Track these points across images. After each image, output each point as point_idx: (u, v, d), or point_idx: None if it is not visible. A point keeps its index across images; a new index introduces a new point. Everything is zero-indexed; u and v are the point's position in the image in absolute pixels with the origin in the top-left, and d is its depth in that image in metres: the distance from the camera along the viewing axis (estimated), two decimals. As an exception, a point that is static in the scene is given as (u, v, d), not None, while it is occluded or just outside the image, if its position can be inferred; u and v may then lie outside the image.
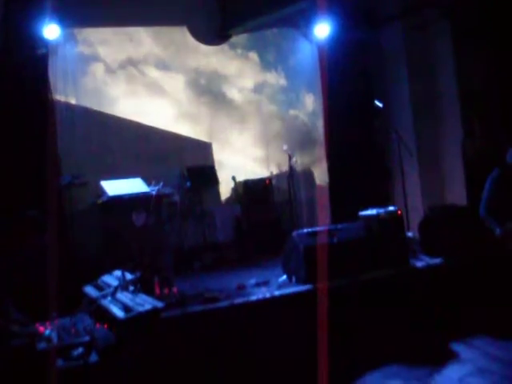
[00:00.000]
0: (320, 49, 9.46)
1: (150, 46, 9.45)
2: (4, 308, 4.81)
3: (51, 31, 7.63)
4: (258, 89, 10.14)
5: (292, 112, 10.33)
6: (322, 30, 9.02)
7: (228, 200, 9.54)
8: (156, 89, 9.44)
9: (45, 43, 7.78)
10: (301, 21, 9.65)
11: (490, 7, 8.08)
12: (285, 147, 8.71)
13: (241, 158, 9.97)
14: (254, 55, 10.14)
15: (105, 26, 9.04)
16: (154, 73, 9.45)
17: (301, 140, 9.95)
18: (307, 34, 9.80)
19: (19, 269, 4.98)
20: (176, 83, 9.60)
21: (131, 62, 9.30)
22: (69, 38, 8.52)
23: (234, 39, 9.78)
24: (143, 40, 9.41)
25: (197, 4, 9.26)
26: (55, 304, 4.97)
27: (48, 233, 4.97)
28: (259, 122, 10.12)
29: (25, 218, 4.81)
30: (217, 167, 9.23)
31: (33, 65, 7.70)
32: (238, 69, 10.06)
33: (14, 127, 7.37)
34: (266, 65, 10.21)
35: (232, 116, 9.95)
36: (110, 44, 9.15)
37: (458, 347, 5.42)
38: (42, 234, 4.85)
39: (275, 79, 10.25)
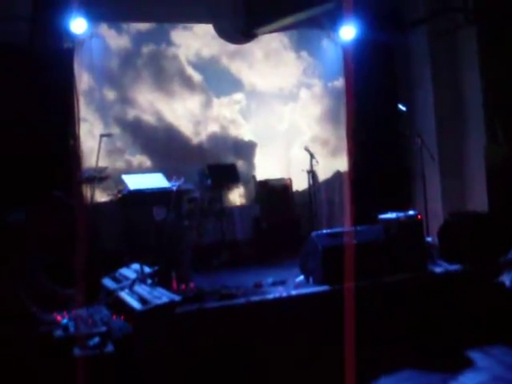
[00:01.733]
0: (345, 51, 9.44)
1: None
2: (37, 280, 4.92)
3: (78, 25, 7.68)
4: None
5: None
6: (348, 31, 9.00)
7: (248, 199, 9.56)
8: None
9: (72, 37, 7.86)
10: (326, 22, 9.64)
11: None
12: (306, 147, 8.71)
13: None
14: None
15: (131, 21, 9.12)
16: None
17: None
18: (333, 36, 9.80)
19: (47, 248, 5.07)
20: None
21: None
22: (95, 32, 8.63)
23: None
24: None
25: (223, 3, 9.29)
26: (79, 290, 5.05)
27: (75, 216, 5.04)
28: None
29: (51, 197, 4.88)
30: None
31: (59, 58, 7.79)
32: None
33: (40, 119, 7.45)
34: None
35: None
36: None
37: (474, 355, 5.38)
38: (68, 213, 4.92)
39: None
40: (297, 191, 9.39)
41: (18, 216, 4.83)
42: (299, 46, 10.18)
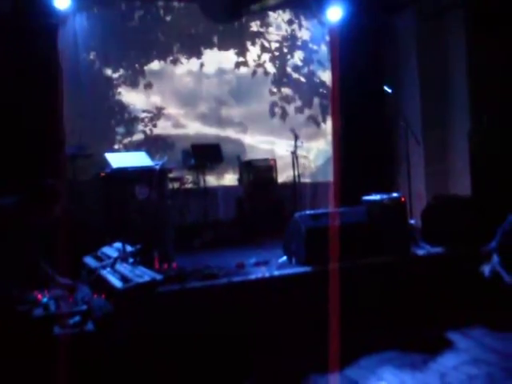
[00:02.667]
0: (331, 32, 9.39)
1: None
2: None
3: (62, 1, 7.57)
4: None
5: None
6: (335, 13, 8.95)
7: (231, 179, 9.54)
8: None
9: (55, 13, 7.73)
10: (313, 3, 9.58)
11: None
12: (291, 128, 8.69)
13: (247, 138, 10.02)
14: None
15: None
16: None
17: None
18: (319, 17, 9.74)
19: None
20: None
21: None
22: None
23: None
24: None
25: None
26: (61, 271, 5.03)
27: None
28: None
29: (44, 186, 4.82)
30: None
31: (42, 33, 7.68)
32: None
33: (22, 95, 7.35)
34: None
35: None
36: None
37: (454, 337, 5.41)
38: (60, 202, 4.87)
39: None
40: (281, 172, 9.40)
41: (6, 201, 4.76)
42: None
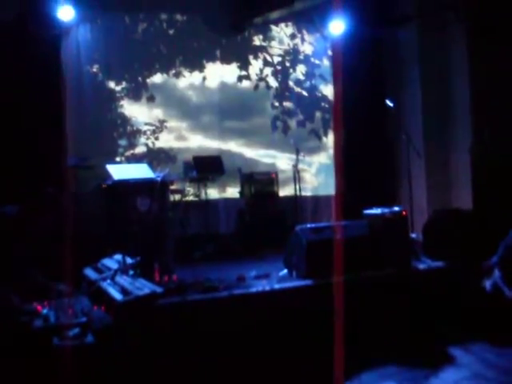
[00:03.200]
0: (334, 45, 9.42)
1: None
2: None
3: (66, 13, 7.61)
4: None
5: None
6: (337, 26, 8.98)
7: (232, 191, 9.55)
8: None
9: (59, 24, 7.78)
10: (316, 16, 9.63)
11: (507, 12, 8.02)
12: (292, 141, 8.71)
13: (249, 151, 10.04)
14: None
15: (118, 10, 9.06)
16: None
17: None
18: (322, 30, 9.79)
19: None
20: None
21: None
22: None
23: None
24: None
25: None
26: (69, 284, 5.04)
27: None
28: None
29: (43, 194, 4.86)
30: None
31: (45, 44, 7.73)
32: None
33: (23, 105, 7.40)
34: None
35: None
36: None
37: (455, 352, 5.39)
38: (60, 211, 4.90)
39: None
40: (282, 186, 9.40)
41: (8, 209, 4.80)
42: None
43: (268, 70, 10.33)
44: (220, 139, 9.91)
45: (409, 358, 5.25)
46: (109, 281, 5.33)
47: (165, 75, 9.72)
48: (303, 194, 9.22)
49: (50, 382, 4.01)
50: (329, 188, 9.82)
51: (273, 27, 10.26)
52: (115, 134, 9.37)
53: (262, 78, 10.27)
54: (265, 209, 8.88)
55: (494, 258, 6.01)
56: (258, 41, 10.25)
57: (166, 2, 9.05)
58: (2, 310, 4.43)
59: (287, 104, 10.42)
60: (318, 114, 10.55)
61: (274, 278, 6.16)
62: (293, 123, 10.39)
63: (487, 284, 5.97)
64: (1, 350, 4.12)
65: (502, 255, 5.97)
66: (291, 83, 10.46)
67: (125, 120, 9.44)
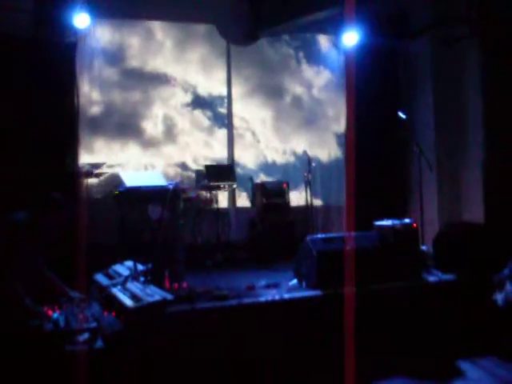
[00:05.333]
0: (347, 56, 9.44)
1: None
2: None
3: (81, 20, 7.67)
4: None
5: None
6: (351, 37, 8.99)
7: (244, 200, 9.57)
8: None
9: (74, 31, 7.85)
10: (329, 27, 9.65)
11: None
12: (304, 150, 8.73)
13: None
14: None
15: (134, 19, 9.13)
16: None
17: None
18: (335, 41, 9.81)
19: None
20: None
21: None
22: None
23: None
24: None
25: (227, 4, 9.30)
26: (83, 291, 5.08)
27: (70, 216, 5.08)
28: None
29: (50, 199, 4.92)
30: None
31: (61, 52, 7.79)
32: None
33: (41, 112, 7.46)
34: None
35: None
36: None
37: (465, 366, 5.38)
38: (64, 215, 4.94)
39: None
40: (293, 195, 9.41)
41: (19, 215, 4.86)
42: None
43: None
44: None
45: (418, 370, 5.24)
46: (119, 287, 5.35)
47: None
48: (314, 203, 9.22)
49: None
50: (340, 198, 9.82)
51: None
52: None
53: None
54: (276, 218, 8.88)
55: (506, 271, 5.99)
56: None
57: (182, 10, 9.09)
58: (15, 311, 4.46)
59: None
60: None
61: (283, 288, 6.17)
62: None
63: (499, 298, 5.95)
64: (12, 351, 4.15)
65: None
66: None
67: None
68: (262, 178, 9.77)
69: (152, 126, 9.42)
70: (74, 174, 7.46)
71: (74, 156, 7.72)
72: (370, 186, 9.06)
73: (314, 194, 9.03)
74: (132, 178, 6.70)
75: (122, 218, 6.74)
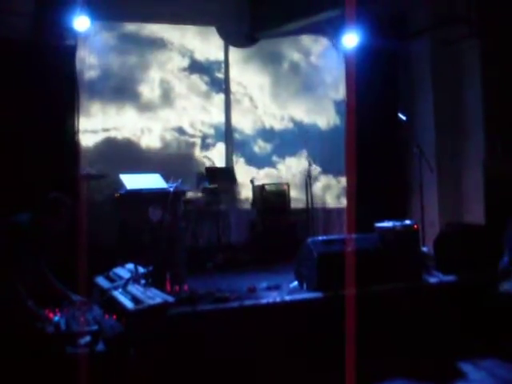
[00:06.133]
0: (347, 58, 9.44)
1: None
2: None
3: (81, 23, 7.67)
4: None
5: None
6: (351, 38, 8.99)
7: (245, 202, 9.57)
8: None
9: (74, 34, 7.86)
10: (329, 29, 9.66)
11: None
12: (305, 153, 8.73)
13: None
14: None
15: (134, 21, 9.14)
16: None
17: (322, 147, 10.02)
18: (335, 43, 9.82)
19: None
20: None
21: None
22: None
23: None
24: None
25: (227, 6, 9.31)
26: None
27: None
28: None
29: (49, 199, 4.93)
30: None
31: (61, 55, 7.81)
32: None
33: (40, 115, 7.46)
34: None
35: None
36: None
37: (465, 367, 5.37)
38: (65, 215, 4.95)
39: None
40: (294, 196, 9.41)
41: (21, 218, 4.87)
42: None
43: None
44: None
45: (419, 372, 5.23)
46: (120, 290, 5.35)
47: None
48: (315, 205, 9.22)
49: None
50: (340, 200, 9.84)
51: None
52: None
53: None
54: (276, 220, 8.89)
55: (505, 259, 6.01)
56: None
57: (182, 12, 9.09)
58: (17, 313, 4.47)
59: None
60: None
61: (284, 290, 6.17)
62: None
63: (508, 286, 5.94)
64: (14, 354, 4.16)
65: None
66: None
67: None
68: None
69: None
70: (75, 176, 7.46)
71: (75, 158, 7.72)
72: (371, 187, 9.06)
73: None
74: (132, 181, 6.70)
75: (123, 220, 6.76)
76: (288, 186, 9.20)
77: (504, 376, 5.14)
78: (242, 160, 9.74)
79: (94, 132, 8.74)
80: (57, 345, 4.28)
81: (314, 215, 8.98)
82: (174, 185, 6.63)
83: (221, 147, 9.65)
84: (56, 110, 7.65)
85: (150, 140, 9.27)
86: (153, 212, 6.48)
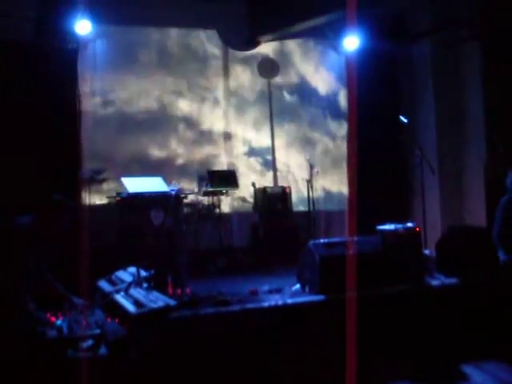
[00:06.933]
0: (348, 61, 9.44)
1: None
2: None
3: (83, 26, 7.69)
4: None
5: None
6: (352, 42, 8.99)
7: (246, 205, 9.57)
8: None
9: (76, 38, 7.87)
10: (330, 32, 9.66)
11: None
12: (307, 157, 8.72)
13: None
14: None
15: (135, 25, 9.15)
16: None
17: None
18: (336, 46, 9.82)
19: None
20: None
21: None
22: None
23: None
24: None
25: (228, 10, 9.32)
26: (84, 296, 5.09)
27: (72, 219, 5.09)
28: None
29: (50, 201, 4.94)
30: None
31: (63, 58, 7.82)
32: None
33: (42, 119, 7.48)
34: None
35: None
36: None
37: (468, 370, 5.36)
38: (66, 217, 4.96)
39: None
40: (295, 199, 9.41)
41: (23, 220, 4.87)
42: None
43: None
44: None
45: (422, 375, 5.22)
46: (122, 293, 5.36)
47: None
48: (316, 208, 9.22)
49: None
50: (342, 203, 9.82)
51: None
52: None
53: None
54: (278, 223, 8.89)
55: (495, 228, 6.50)
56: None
57: (183, 15, 9.11)
58: (19, 316, 4.47)
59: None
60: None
61: (286, 293, 6.15)
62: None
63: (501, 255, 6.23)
64: (15, 358, 4.15)
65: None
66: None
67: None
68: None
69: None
70: (77, 179, 7.47)
71: (77, 161, 7.73)
72: (372, 189, 9.06)
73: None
74: (134, 184, 6.72)
75: (125, 224, 6.76)
76: (289, 189, 9.20)
77: (507, 378, 5.13)
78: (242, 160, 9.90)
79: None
80: (59, 349, 4.28)
81: (315, 218, 8.98)
82: (176, 188, 6.65)
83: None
84: (58, 112, 7.65)
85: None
86: (154, 215, 6.49)
